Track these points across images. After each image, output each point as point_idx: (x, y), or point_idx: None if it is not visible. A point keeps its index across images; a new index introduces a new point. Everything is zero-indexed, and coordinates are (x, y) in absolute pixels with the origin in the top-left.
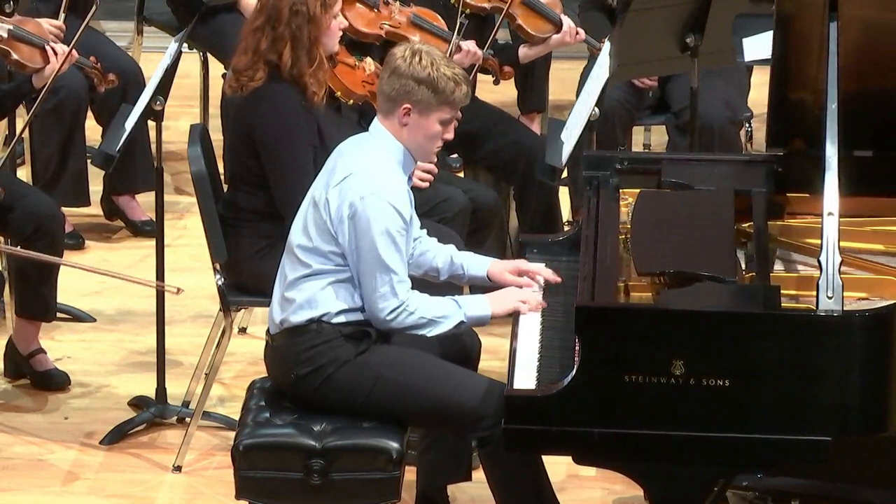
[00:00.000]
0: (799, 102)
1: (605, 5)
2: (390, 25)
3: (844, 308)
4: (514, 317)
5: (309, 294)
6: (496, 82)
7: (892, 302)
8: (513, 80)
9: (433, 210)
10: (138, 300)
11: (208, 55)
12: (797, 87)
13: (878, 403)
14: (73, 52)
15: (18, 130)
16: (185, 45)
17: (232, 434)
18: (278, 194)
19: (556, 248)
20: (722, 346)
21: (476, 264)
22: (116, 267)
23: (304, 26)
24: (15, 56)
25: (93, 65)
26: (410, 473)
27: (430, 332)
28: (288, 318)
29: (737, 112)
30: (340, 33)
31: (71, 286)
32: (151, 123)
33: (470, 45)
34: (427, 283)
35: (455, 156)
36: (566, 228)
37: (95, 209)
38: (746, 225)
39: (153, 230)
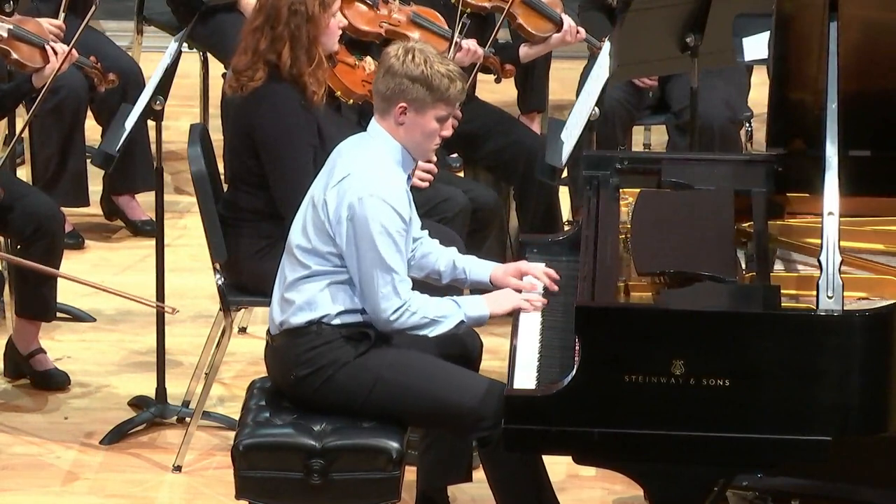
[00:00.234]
0: (799, 102)
1: (605, 5)
2: (390, 24)
3: (844, 308)
4: (514, 316)
5: (308, 296)
6: (498, 80)
7: (892, 302)
8: (513, 80)
9: (433, 210)
10: None
11: (208, 55)
12: (797, 87)
13: (878, 403)
14: (73, 51)
15: (18, 130)
16: (185, 44)
17: (232, 434)
18: (278, 194)
19: (556, 248)
20: (722, 346)
21: (479, 269)
22: (116, 267)
23: (303, 26)
24: (15, 56)
25: (93, 64)
26: (410, 473)
27: (432, 331)
28: (288, 320)
29: (737, 112)
30: (340, 32)
31: (71, 286)
32: (151, 123)
33: (471, 43)
34: (428, 285)
35: (455, 156)
36: (566, 228)
37: (95, 209)
38: (746, 225)
39: (153, 230)
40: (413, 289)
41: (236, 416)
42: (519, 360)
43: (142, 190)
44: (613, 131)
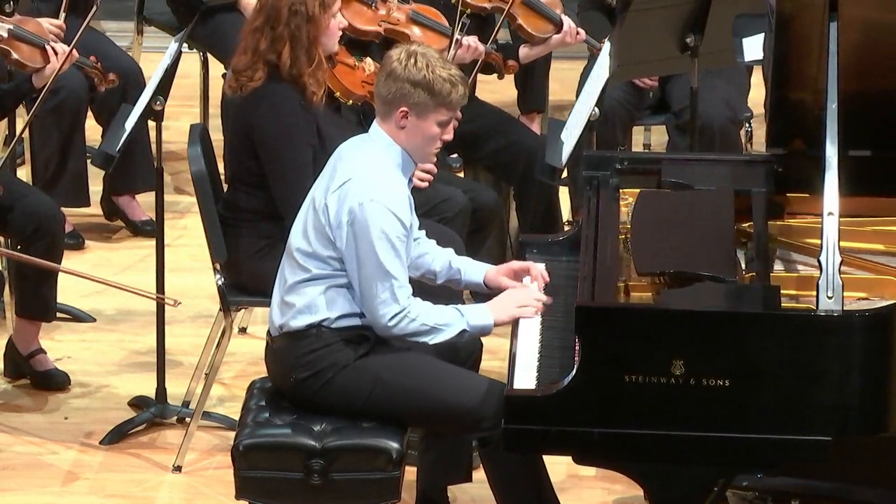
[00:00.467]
0: (799, 102)
1: (605, 5)
2: (389, 23)
3: (844, 308)
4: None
5: (308, 299)
6: (500, 76)
7: (892, 302)
8: (513, 80)
9: (433, 210)
10: (138, 300)
11: (208, 55)
12: (797, 87)
13: (878, 403)
14: (74, 51)
15: (18, 130)
16: (185, 45)
17: (232, 434)
18: (278, 194)
19: (556, 248)
20: (722, 346)
21: (473, 270)
22: (116, 267)
23: (303, 26)
24: (15, 56)
25: (93, 64)
26: (410, 473)
27: (432, 339)
28: (287, 323)
29: (737, 112)
30: (340, 33)
31: (71, 286)
32: (151, 123)
33: (471, 40)
34: (424, 285)
35: (455, 156)
36: (566, 228)
37: (95, 209)
38: (746, 225)
39: (153, 230)
40: (412, 291)
41: (236, 416)
42: (519, 360)
43: (142, 190)
44: (613, 131)
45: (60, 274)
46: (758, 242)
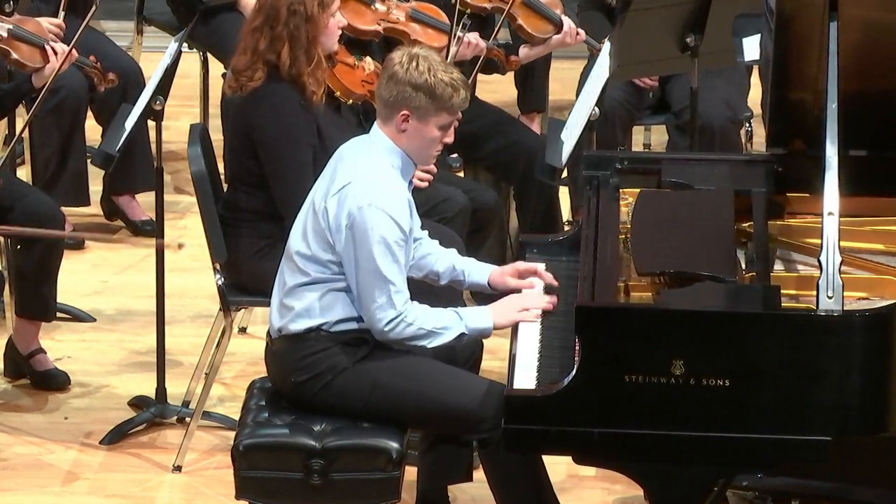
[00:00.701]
0: (799, 102)
1: (605, 5)
2: (388, 21)
3: (844, 308)
4: None
5: (307, 303)
6: (503, 72)
7: (892, 302)
8: (513, 80)
9: (433, 210)
10: (138, 300)
11: (208, 55)
12: (797, 87)
13: (878, 403)
14: (73, 51)
15: (18, 130)
16: (185, 44)
17: (232, 434)
18: (278, 194)
19: (556, 248)
20: (722, 346)
21: (477, 271)
22: (116, 267)
23: (302, 26)
24: (15, 55)
25: (93, 64)
26: (410, 473)
27: (430, 343)
28: (287, 326)
29: (737, 112)
30: (339, 32)
31: (71, 286)
32: (151, 123)
33: (472, 36)
34: (426, 285)
35: (455, 156)
36: (566, 228)
37: (95, 209)
38: (746, 225)
39: (153, 230)
40: (414, 291)
41: (236, 416)
42: (519, 360)
43: (142, 190)
44: (613, 131)
45: (60, 274)
46: (758, 242)
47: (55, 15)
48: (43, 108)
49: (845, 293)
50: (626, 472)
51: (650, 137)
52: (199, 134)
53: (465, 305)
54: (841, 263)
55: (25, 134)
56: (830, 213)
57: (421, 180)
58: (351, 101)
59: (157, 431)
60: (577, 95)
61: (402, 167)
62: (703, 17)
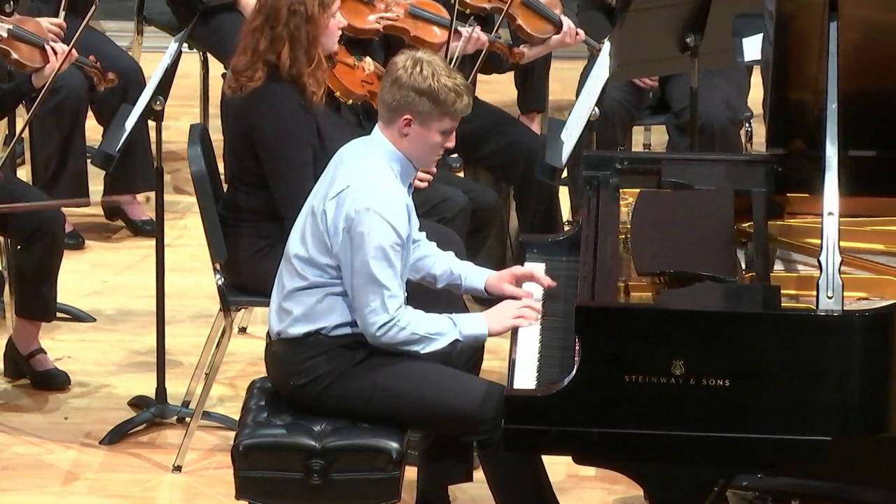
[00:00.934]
0: (799, 102)
1: (605, 5)
2: (387, 19)
3: (844, 308)
4: None
5: (306, 307)
6: (506, 66)
7: (892, 302)
8: (513, 80)
9: (433, 210)
10: (138, 300)
11: (208, 55)
12: (797, 87)
13: (878, 403)
14: (73, 51)
15: (18, 130)
16: (185, 45)
17: (232, 434)
18: (278, 194)
19: (556, 248)
20: (722, 346)
21: (474, 276)
22: (116, 267)
23: (302, 26)
24: (15, 55)
25: (93, 64)
26: (410, 473)
27: (424, 348)
28: (286, 330)
29: (737, 112)
30: (339, 33)
31: (71, 286)
32: (151, 123)
33: (475, 30)
34: (426, 288)
35: (455, 156)
36: (566, 228)
37: (95, 209)
38: (746, 225)
39: (153, 230)
40: (412, 293)
41: (236, 416)
42: (519, 360)
43: (142, 190)
44: (613, 131)
45: (60, 274)
46: (758, 242)
47: (55, 15)
48: (43, 108)
49: (845, 293)
50: (626, 472)
51: (650, 137)
52: (199, 134)
53: (466, 308)
54: (841, 263)
55: (25, 134)
56: (830, 213)
57: (421, 181)
58: (351, 101)
59: (157, 431)
60: (577, 95)
61: (402, 171)
62: (703, 17)
